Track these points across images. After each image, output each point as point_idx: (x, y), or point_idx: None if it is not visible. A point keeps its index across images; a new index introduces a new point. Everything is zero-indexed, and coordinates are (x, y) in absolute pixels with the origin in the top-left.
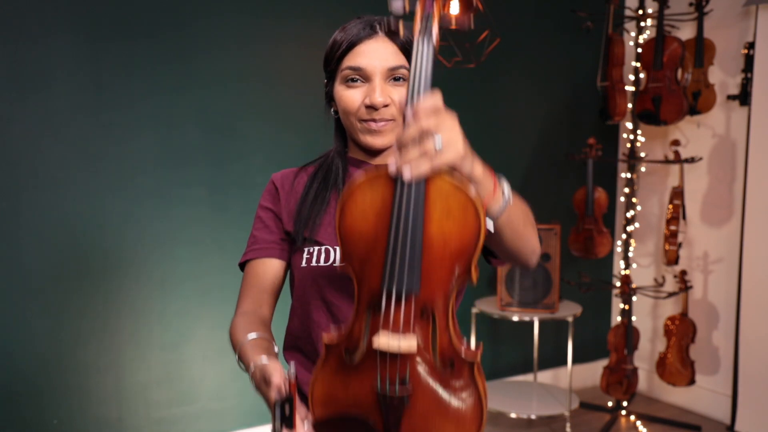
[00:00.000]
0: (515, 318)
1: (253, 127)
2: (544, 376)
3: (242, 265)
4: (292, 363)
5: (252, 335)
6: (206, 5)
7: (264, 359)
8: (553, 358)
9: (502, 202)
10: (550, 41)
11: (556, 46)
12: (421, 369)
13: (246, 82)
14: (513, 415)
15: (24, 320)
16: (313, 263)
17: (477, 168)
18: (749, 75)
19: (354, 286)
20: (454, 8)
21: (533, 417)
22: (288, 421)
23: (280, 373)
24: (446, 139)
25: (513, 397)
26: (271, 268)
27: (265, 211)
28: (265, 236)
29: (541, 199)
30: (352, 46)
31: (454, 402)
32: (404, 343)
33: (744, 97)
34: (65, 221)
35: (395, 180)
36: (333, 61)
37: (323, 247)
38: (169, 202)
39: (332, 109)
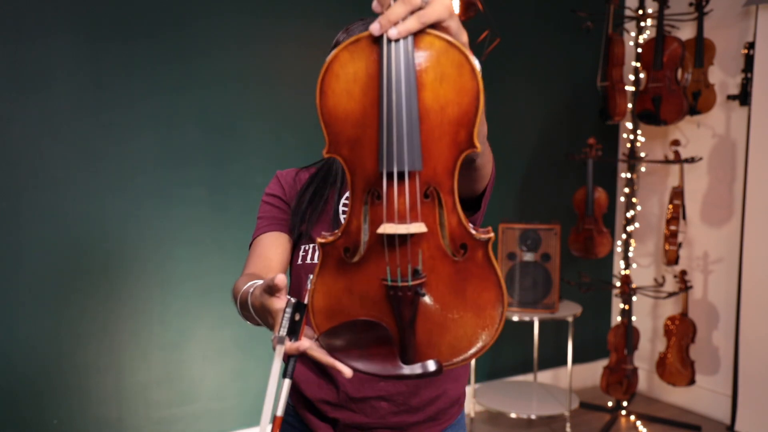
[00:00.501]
0: (515, 318)
1: (253, 127)
2: (544, 376)
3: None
4: (311, 276)
5: (254, 281)
6: (206, 5)
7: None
8: (553, 358)
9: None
10: (550, 41)
11: (556, 46)
12: (433, 255)
13: (246, 82)
14: (513, 415)
15: (24, 320)
16: (308, 260)
17: (464, 33)
18: (749, 75)
19: (347, 176)
20: (455, 8)
21: (533, 417)
22: (294, 329)
23: (282, 277)
24: None
25: (513, 397)
26: (279, 239)
27: (271, 197)
28: (274, 214)
29: (541, 199)
30: None
31: (472, 288)
32: (413, 224)
33: (744, 97)
34: (65, 221)
35: (380, 44)
36: None
37: (317, 245)
38: (169, 202)
39: None
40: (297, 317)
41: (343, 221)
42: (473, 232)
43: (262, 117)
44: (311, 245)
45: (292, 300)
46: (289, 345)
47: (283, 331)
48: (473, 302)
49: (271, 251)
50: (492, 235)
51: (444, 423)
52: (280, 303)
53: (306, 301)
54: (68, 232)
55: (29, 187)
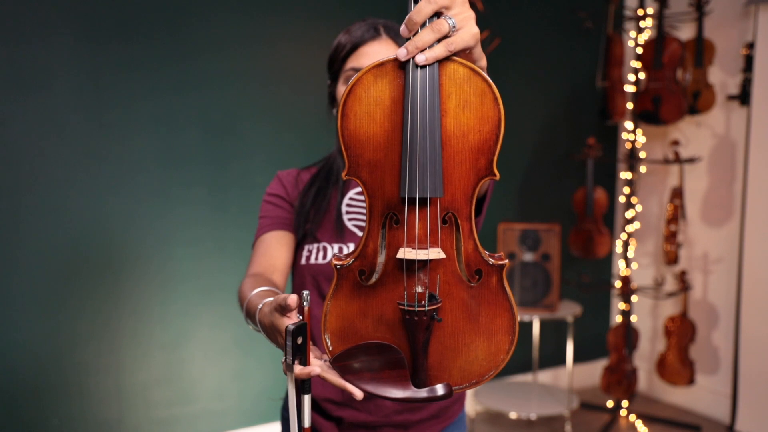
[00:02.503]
0: None
1: (253, 127)
2: (544, 376)
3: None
4: (306, 291)
5: (260, 288)
6: (206, 5)
7: (272, 297)
8: (553, 358)
9: None
10: (550, 41)
11: (556, 46)
12: (449, 280)
13: (246, 82)
14: (513, 415)
15: (24, 320)
16: (312, 261)
17: (484, 58)
18: (749, 75)
19: (365, 199)
20: None
21: (533, 417)
22: (300, 350)
23: (294, 297)
24: (460, 18)
25: (513, 397)
26: (283, 238)
27: (273, 197)
28: (277, 214)
29: (541, 199)
30: (355, 47)
31: (485, 314)
32: (432, 249)
33: (744, 97)
34: (65, 221)
35: (405, 69)
36: (337, 61)
37: (321, 245)
38: (170, 202)
39: (335, 110)
40: (300, 341)
41: (346, 221)
42: (489, 258)
43: (262, 117)
44: (315, 245)
45: (290, 327)
46: (299, 370)
47: (290, 358)
48: (486, 328)
49: (276, 250)
50: (507, 261)
51: (446, 421)
52: (283, 322)
53: (304, 320)
54: (68, 232)
55: (29, 187)
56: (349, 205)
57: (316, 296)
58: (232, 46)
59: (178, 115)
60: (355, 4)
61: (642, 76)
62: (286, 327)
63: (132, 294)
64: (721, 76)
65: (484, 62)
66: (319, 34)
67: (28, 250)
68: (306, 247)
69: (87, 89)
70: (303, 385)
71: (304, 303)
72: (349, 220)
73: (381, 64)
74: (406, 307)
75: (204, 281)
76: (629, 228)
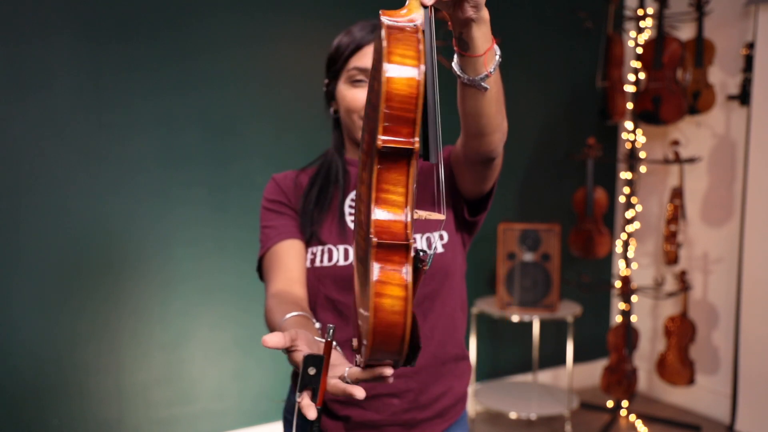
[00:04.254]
0: (515, 318)
1: (253, 127)
2: (544, 376)
3: (261, 263)
4: (332, 325)
5: (289, 315)
6: (206, 5)
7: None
8: (553, 358)
9: (497, 57)
10: (550, 41)
11: (556, 46)
12: None
13: (246, 82)
14: (513, 415)
15: (24, 320)
16: (317, 264)
17: (486, 10)
18: (749, 75)
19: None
20: None
21: (533, 417)
22: (310, 382)
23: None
24: None
25: (513, 397)
26: (293, 247)
27: (274, 203)
28: (283, 222)
29: (541, 199)
30: (359, 47)
31: None
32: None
33: (744, 97)
34: (65, 221)
35: (425, 30)
36: (339, 61)
37: (326, 247)
38: (170, 202)
39: (332, 109)
40: (312, 372)
41: (349, 222)
42: None
43: (262, 117)
44: (320, 247)
45: (306, 355)
46: (301, 404)
47: (300, 385)
48: None
49: (290, 262)
50: None
51: (449, 420)
52: (298, 356)
53: (322, 353)
54: (68, 232)
55: (29, 187)
56: (351, 206)
57: (322, 299)
58: (232, 46)
59: (178, 115)
60: (355, 4)
61: (642, 76)
62: (303, 356)
63: (132, 294)
64: (721, 76)
65: (486, 13)
66: (319, 34)
67: (28, 250)
68: (310, 250)
69: (87, 89)
70: (312, 427)
71: (328, 336)
72: (353, 221)
73: (401, 29)
74: (428, 266)
75: (204, 281)
76: (629, 228)
